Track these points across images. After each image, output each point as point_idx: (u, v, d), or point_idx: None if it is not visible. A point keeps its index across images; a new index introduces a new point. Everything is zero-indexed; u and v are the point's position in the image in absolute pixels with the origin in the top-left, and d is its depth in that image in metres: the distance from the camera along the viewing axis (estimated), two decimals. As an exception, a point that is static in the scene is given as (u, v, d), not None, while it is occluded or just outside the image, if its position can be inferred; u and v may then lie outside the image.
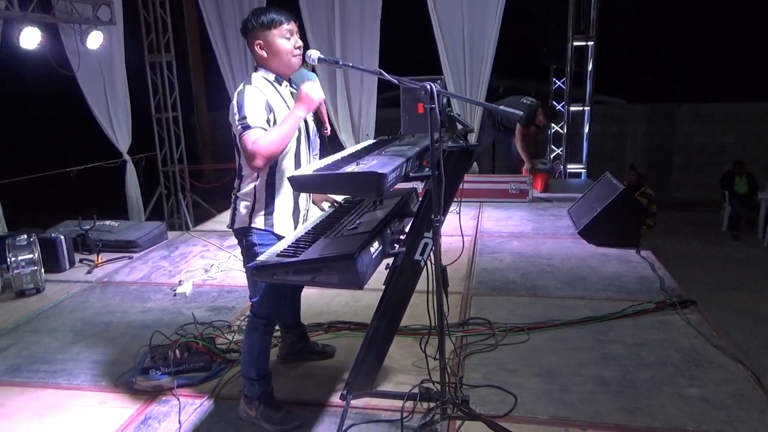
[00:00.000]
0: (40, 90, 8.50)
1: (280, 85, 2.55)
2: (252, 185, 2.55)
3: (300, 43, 2.54)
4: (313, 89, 2.44)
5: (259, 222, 2.56)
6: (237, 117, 2.36)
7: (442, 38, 7.82)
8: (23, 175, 7.01)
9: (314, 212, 2.97)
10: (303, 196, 2.70)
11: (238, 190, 2.58)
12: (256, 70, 2.56)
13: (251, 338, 2.63)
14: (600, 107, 10.51)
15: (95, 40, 6.79)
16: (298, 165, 2.59)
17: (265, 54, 2.50)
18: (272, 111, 2.43)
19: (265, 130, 2.36)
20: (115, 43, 7.34)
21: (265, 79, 2.51)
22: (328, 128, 7.52)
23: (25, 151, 9.23)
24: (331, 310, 3.91)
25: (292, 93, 2.59)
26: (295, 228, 2.64)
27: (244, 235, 2.60)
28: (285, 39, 2.49)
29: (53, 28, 6.58)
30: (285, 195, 2.59)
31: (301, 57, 2.56)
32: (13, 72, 6.56)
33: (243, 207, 2.57)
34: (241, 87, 2.43)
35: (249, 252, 2.59)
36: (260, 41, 2.48)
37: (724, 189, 10.09)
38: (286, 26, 2.48)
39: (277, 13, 2.48)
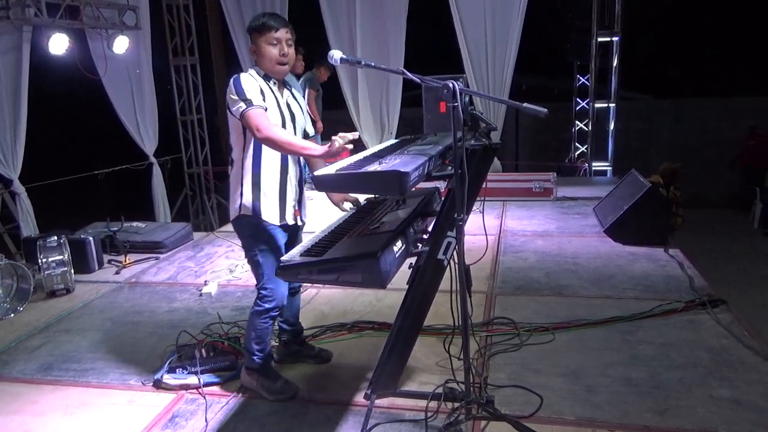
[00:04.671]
0: (69, 94, 8.67)
1: (268, 81, 2.69)
2: (239, 175, 2.71)
3: (286, 51, 2.66)
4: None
5: (246, 209, 2.69)
6: (238, 98, 2.53)
7: (464, 36, 7.78)
8: (53, 178, 7.17)
9: (328, 210, 2.98)
10: (291, 186, 2.77)
11: (229, 182, 2.76)
12: (251, 66, 2.74)
13: (257, 320, 2.79)
14: (625, 103, 10.35)
15: (121, 44, 6.91)
16: (284, 157, 2.71)
17: (255, 57, 2.70)
18: (264, 96, 2.60)
19: (265, 109, 2.56)
20: (141, 47, 7.46)
21: (257, 73, 2.69)
22: (320, 125, 7.56)
23: (54, 154, 9.42)
24: (354, 310, 3.92)
25: (294, 97, 2.81)
26: (283, 218, 2.74)
27: (238, 224, 2.76)
28: (271, 45, 2.64)
29: (80, 33, 6.72)
30: (270, 183, 2.70)
31: (286, 66, 2.70)
32: (43, 77, 6.71)
33: (233, 197, 2.73)
34: (236, 75, 2.62)
35: (246, 243, 2.78)
36: (252, 45, 2.68)
37: (755, 186, 9.86)
38: (274, 34, 2.63)
39: (271, 19, 2.64)
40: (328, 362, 3.21)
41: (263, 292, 2.77)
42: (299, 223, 2.88)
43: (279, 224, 2.74)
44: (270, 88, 2.67)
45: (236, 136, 2.70)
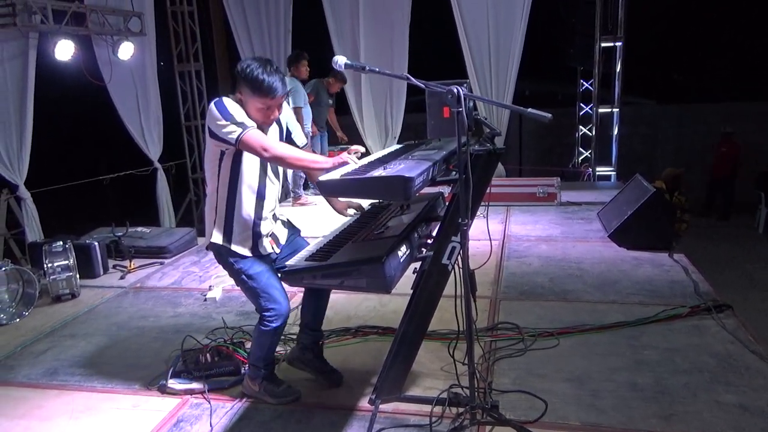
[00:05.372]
0: (75, 100, 8.73)
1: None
2: (213, 205, 2.66)
3: (276, 116, 2.59)
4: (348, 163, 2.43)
5: (217, 238, 2.66)
6: (228, 122, 2.43)
7: (467, 41, 7.80)
8: (58, 183, 7.20)
9: (332, 216, 2.99)
10: (267, 220, 2.71)
11: (205, 205, 2.72)
12: (230, 92, 2.60)
13: (262, 336, 2.75)
14: (629, 108, 10.34)
15: (126, 51, 6.95)
16: (261, 187, 2.65)
17: (240, 104, 2.54)
18: None
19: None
20: (146, 53, 7.50)
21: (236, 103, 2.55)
22: (341, 135, 7.67)
23: (60, 160, 9.47)
24: (358, 315, 3.92)
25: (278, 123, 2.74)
26: (256, 249, 2.69)
27: (216, 252, 2.74)
28: (260, 111, 2.52)
29: (86, 40, 6.76)
30: (244, 215, 2.64)
31: (267, 128, 2.61)
32: (48, 83, 6.75)
33: (208, 225, 2.69)
34: (218, 99, 2.51)
35: (231, 270, 2.73)
36: (241, 94, 2.52)
37: (760, 190, 9.82)
38: (269, 100, 2.49)
39: (273, 79, 2.46)
40: (337, 386, 3.01)
41: (267, 314, 2.70)
42: (275, 251, 2.80)
43: (251, 255, 2.69)
44: None
45: (211, 164, 2.60)
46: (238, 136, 2.42)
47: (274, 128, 2.74)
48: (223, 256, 2.71)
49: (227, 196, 2.62)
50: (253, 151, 2.45)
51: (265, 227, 2.72)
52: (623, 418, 2.63)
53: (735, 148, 10.33)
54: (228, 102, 2.50)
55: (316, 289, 2.95)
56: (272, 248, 2.77)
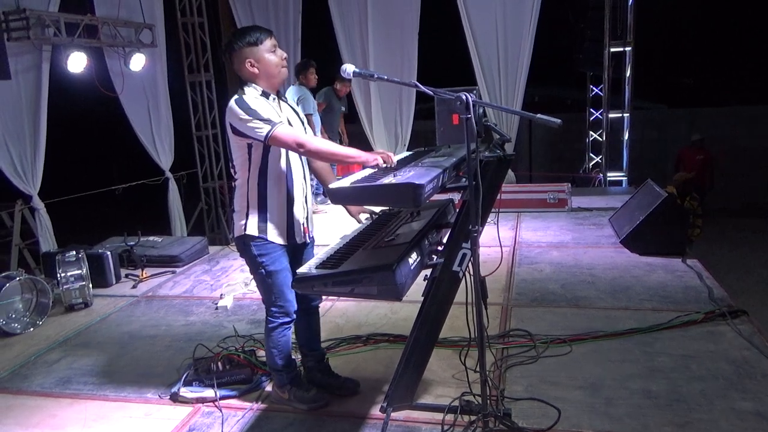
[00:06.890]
0: (87, 112, 8.83)
1: (267, 98, 2.64)
2: (244, 195, 2.66)
3: (285, 54, 2.69)
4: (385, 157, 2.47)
5: (252, 229, 2.64)
6: (253, 118, 2.47)
7: (476, 48, 7.81)
8: (71, 193, 7.26)
9: (343, 222, 2.99)
10: (299, 205, 2.74)
11: (232, 199, 2.73)
12: (242, 87, 2.64)
13: (273, 335, 2.77)
14: (639, 113, 10.28)
15: (138, 62, 7.03)
16: (289, 173, 2.68)
17: (256, 70, 2.61)
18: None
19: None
20: (157, 64, 7.58)
21: (256, 91, 2.62)
22: (346, 139, 7.72)
23: (72, 170, 9.58)
24: (369, 323, 3.91)
25: (292, 108, 2.78)
26: (292, 237, 2.71)
27: (241, 243, 2.71)
28: (271, 53, 2.62)
29: (98, 52, 6.84)
30: (277, 203, 2.67)
31: (287, 68, 2.70)
32: (62, 95, 6.84)
33: (238, 215, 2.69)
34: (237, 96, 2.56)
35: (251, 262, 2.72)
36: (250, 59, 2.60)
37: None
38: (269, 42, 2.62)
39: (260, 32, 2.62)
40: (355, 394, 2.98)
41: (274, 308, 2.74)
42: (308, 240, 2.84)
43: (286, 244, 2.71)
44: (271, 105, 2.61)
45: (240, 156, 2.62)
46: (268, 132, 2.45)
47: (297, 123, 2.75)
48: (248, 246, 2.67)
49: (259, 185, 2.63)
50: (286, 146, 2.49)
51: (299, 213, 2.74)
52: (638, 426, 2.60)
53: (709, 155, 10.11)
54: (249, 99, 2.54)
55: (305, 308, 2.91)
56: (305, 237, 2.80)
